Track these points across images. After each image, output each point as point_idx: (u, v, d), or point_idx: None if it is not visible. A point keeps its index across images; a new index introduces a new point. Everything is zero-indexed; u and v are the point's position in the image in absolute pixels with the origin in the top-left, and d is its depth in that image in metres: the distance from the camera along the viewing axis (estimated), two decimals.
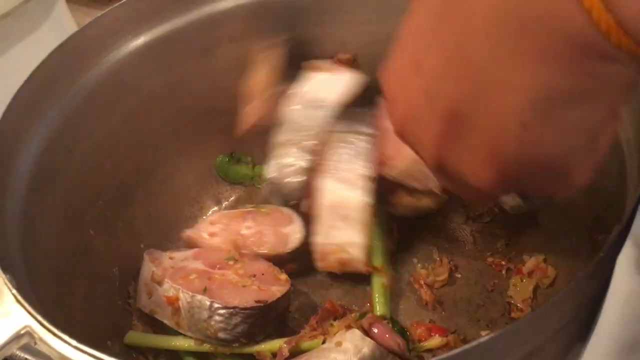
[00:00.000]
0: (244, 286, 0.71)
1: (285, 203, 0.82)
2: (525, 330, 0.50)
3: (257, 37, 0.89)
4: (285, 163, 0.79)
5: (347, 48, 0.89)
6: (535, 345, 0.51)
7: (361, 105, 0.81)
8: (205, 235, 0.82)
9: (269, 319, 0.71)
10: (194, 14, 0.85)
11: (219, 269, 0.74)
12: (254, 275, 0.74)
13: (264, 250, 0.79)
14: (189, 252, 0.78)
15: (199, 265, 0.75)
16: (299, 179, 0.79)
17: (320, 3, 0.88)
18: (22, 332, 0.49)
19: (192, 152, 0.92)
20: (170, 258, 0.77)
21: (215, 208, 0.94)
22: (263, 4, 0.88)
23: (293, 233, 0.79)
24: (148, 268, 0.76)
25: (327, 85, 0.82)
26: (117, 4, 0.80)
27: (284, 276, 0.75)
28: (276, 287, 0.72)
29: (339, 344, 0.67)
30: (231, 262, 0.75)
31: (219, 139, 0.93)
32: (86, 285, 0.76)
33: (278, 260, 0.78)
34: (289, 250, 0.79)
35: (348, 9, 0.88)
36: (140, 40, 0.83)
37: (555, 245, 0.77)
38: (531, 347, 0.50)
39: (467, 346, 0.44)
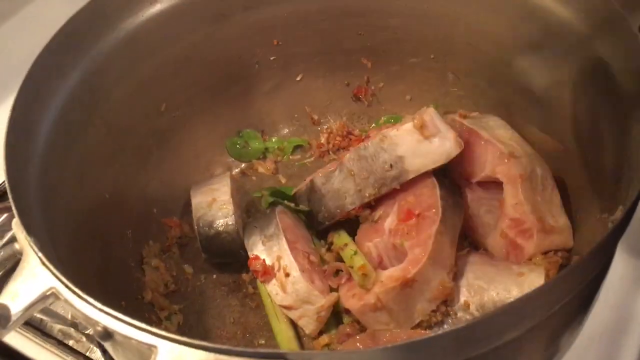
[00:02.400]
0: None
1: None
2: (531, 304, 0.51)
3: (271, 6, 0.90)
4: None
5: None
6: (537, 319, 0.53)
7: None
8: None
9: None
10: None
11: None
12: None
13: None
14: None
15: None
16: None
17: None
18: (48, 293, 0.51)
19: (205, 120, 0.93)
20: None
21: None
22: None
23: None
24: None
25: None
26: None
27: None
28: None
29: (521, 274, 0.70)
30: None
31: (231, 108, 0.94)
32: (101, 248, 0.78)
33: None
34: None
35: None
36: (156, 7, 0.83)
37: None
38: (532, 323, 0.52)
39: (471, 320, 0.46)
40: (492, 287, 0.69)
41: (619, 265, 0.79)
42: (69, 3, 0.78)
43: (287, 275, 0.74)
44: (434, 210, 0.73)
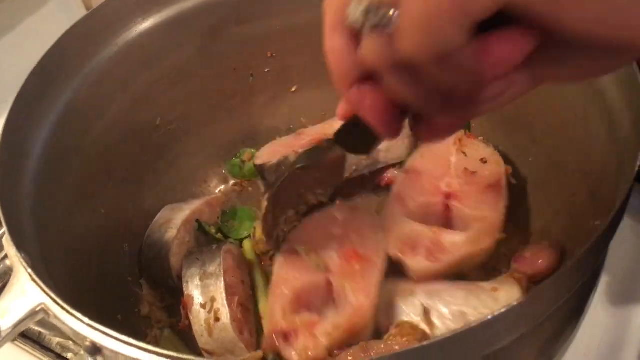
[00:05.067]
0: None
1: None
2: (520, 312, 0.51)
3: (264, 19, 0.91)
4: None
5: None
6: (528, 327, 0.53)
7: None
8: None
9: None
10: None
11: None
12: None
13: None
14: None
15: None
16: None
17: None
18: (37, 309, 0.52)
19: (201, 133, 0.94)
20: None
21: (222, 187, 0.97)
22: None
23: None
24: None
25: None
26: None
27: None
28: None
29: (495, 289, 0.69)
30: None
31: (226, 121, 0.95)
32: (97, 262, 0.78)
33: None
34: None
35: None
36: (148, 23, 0.84)
37: (554, 229, 0.79)
38: (523, 330, 0.52)
39: (458, 330, 0.46)
40: (472, 309, 0.68)
41: (615, 270, 0.79)
42: (67, 17, 0.79)
43: (217, 320, 0.72)
44: (377, 256, 0.74)
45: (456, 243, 0.74)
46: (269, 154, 0.87)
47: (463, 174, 0.80)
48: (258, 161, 0.87)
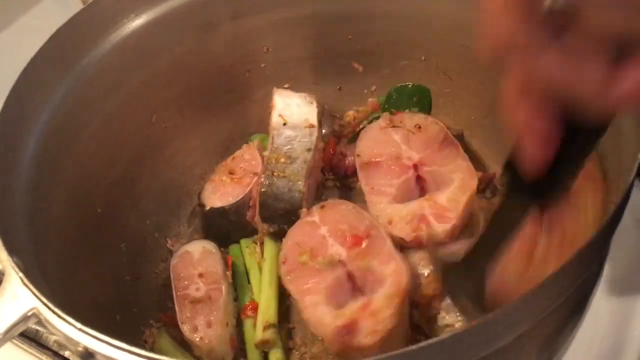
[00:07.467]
0: None
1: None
2: (522, 310, 0.50)
3: (259, 13, 0.90)
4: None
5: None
6: (529, 324, 0.52)
7: None
8: None
9: None
10: None
11: None
12: None
13: None
14: None
15: None
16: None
17: None
18: (29, 314, 0.51)
19: (197, 130, 0.93)
20: None
21: None
22: None
23: None
24: None
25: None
26: None
27: None
28: None
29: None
30: None
31: (223, 117, 0.94)
32: (95, 262, 0.77)
33: None
34: None
35: None
36: (143, 19, 0.83)
37: None
38: (524, 328, 0.51)
39: (456, 330, 0.45)
40: None
41: (617, 265, 0.78)
42: (64, 14, 0.78)
43: None
44: (376, 230, 0.73)
45: (451, 198, 0.76)
46: (217, 197, 0.86)
47: (415, 139, 0.83)
48: (216, 204, 0.85)
